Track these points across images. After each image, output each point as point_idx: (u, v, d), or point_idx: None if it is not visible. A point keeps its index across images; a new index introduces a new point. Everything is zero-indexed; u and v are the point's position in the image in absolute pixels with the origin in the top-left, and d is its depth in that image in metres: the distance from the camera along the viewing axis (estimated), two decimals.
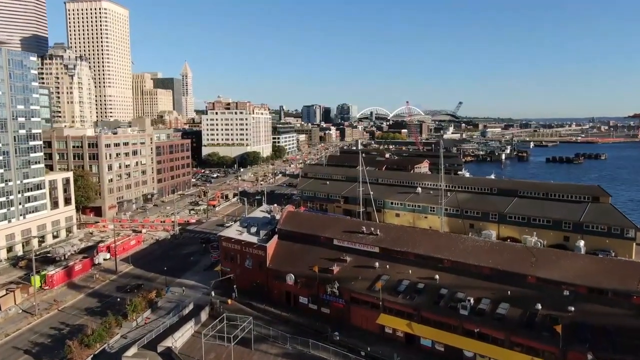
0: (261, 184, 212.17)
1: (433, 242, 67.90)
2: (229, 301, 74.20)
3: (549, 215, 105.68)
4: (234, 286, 76.01)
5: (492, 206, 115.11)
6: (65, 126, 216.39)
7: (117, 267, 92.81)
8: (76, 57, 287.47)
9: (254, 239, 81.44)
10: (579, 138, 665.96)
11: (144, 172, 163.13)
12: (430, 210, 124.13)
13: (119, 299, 76.28)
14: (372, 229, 73.77)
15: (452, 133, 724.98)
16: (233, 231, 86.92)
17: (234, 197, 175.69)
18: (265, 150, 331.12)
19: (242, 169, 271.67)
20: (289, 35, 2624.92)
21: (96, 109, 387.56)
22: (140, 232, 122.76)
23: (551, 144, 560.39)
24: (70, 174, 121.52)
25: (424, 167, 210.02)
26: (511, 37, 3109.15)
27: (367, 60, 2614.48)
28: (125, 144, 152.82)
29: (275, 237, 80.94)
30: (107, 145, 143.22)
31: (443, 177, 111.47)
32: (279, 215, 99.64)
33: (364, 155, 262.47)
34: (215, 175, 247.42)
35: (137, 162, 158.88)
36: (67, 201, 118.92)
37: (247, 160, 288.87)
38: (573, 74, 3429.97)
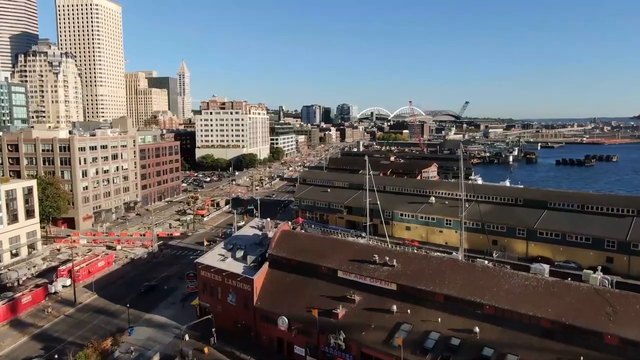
0: (256, 189, 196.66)
1: (467, 279, 52.43)
2: (206, 349, 58.70)
3: (588, 231, 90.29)
4: (213, 329, 60.40)
5: (518, 220, 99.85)
6: (49, 127, 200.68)
7: (77, 297, 77.18)
8: (61, 53, 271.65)
9: (239, 268, 65.98)
10: (584, 139, 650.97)
11: (125, 178, 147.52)
12: (447, 224, 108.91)
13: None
14: (387, 258, 58.27)
15: (454, 134, 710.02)
16: (215, 255, 71.45)
17: (226, 204, 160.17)
18: (263, 152, 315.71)
19: (237, 172, 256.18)
20: (289, 35, 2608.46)
21: (87, 108, 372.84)
22: (115, 248, 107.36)
23: (557, 145, 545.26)
24: (33, 182, 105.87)
25: (431, 171, 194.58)
26: (511, 37, 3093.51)
27: (367, 60, 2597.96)
28: (104, 147, 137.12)
29: (266, 264, 65.51)
30: (82, 149, 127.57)
31: (464, 185, 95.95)
32: (272, 232, 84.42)
33: (366, 158, 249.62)
34: (208, 179, 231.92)
35: (117, 167, 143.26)
36: (29, 213, 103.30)
37: (243, 162, 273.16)
38: (572, 74, 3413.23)
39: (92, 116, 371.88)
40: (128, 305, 66.47)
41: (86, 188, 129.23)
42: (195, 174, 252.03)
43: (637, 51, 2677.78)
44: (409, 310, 51.49)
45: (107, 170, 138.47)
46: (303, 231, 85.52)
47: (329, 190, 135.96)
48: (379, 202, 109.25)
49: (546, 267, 64.83)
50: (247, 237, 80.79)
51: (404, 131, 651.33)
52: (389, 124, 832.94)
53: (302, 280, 61.36)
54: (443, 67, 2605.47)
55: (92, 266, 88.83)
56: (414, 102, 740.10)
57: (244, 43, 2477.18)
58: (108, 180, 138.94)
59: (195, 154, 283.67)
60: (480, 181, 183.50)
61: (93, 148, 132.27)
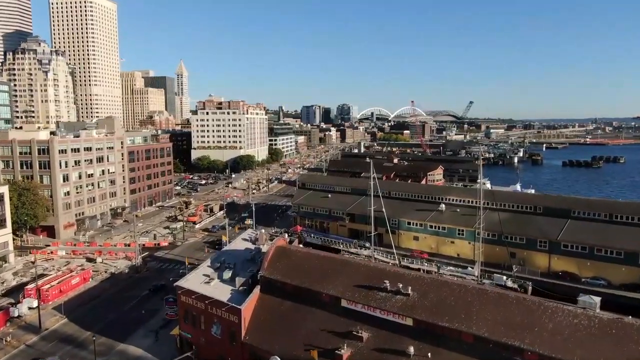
0: (253, 193, 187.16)
1: (500, 313, 43.03)
2: None
3: (619, 244, 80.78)
4: None
5: (539, 230, 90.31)
6: (39, 127, 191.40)
7: (43, 321, 67.64)
8: (51, 51, 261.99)
9: (225, 293, 56.58)
10: (588, 139, 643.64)
11: (112, 182, 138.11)
12: (459, 234, 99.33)
13: None
14: (400, 284, 48.85)
15: (456, 134, 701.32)
16: (199, 276, 62.01)
17: (220, 210, 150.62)
18: (261, 153, 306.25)
19: (234, 175, 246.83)
20: (289, 35, 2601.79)
21: (81, 108, 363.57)
22: (95, 260, 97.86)
23: (561, 145, 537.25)
24: (4, 189, 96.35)
25: (437, 174, 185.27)
26: (511, 37, 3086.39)
27: (368, 60, 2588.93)
28: (88, 149, 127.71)
29: (257, 289, 56.12)
30: (62, 151, 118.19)
31: (482, 191, 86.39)
32: (266, 246, 75.13)
33: (368, 159, 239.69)
34: (203, 182, 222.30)
35: (103, 171, 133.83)
36: (0, 223, 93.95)
37: (240, 164, 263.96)
38: (571, 74, 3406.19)
39: (86, 116, 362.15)
40: (94, 338, 56.78)
41: (68, 193, 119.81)
42: (191, 176, 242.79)
43: (637, 51, 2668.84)
44: (429, 354, 42.07)
45: (92, 174, 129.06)
46: (301, 245, 76.27)
47: (329, 195, 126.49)
48: (384, 210, 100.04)
49: (597, 299, 55.27)
50: (238, 253, 71.52)
51: (405, 132, 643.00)
52: (389, 124, 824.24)
53: (300, 310, 51.97)
54: (443, 68, 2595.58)
55: (65, 283, 79.30)
56: (415, 102, 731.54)
57: (244, 43, 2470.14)
58: (93, 185, 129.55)
59: (190, 155, 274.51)
60: (488, 185, 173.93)
61: (75, 150, 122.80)
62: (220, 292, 56.86)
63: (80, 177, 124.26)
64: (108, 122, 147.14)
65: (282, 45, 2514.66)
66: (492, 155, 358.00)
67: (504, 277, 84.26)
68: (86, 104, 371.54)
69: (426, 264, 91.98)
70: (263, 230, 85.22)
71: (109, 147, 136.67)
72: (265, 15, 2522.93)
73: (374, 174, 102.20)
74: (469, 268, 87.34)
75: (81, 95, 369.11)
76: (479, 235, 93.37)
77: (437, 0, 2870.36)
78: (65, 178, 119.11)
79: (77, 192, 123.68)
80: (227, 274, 61.40)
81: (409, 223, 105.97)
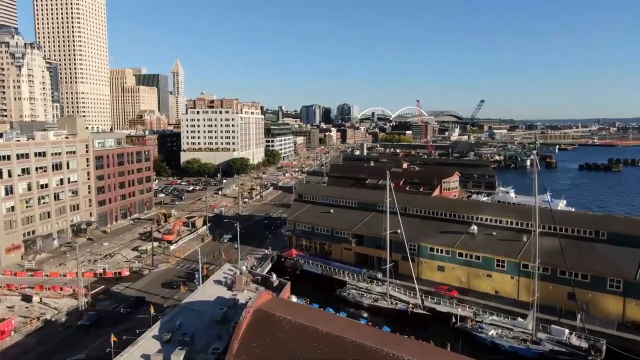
0: (245, 203, 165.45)
1: None
2: None
3: None
4: None
5: (609, 265, 68.94)
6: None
7: None
8: (25, 44, 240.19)
9: None
10: (596, 140, 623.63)
11: (74, 193, 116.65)
12: (498, 266, 77.75)
13: None
14: None
15: (459, 135, 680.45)
16: (142, 350, 40.63)
17: (204, 225, 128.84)
18: (256, 155, 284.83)
19: (225, 180, 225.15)
20: (289, 35, 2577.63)
21: (66, 107, 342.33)
22: (32, 299, 76.17)
23: (570, 147, 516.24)
24: None
25: (453, 182, 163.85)
26: (511, 39, 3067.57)
27: (368, 60, 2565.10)
28: (41, 154, 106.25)
29: None
30: (5, 157, 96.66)
31: (538, 211, 64.09)
32: (245, 294, 54.34)
33: (372, 163, 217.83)
34: (190, 188, 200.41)
35: (62, 180, 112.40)
36: None
37: (234, 168, 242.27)
38: (571, 75, 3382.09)
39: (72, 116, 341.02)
40: None
41: (12, 209, 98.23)
42: (178, 182, 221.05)
43: (637, 51, 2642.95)
44: None
45: (46, 185, 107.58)
46: (294, 299, 54.70)
47: (331, 210, 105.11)
48: (402, 231, 78.44)
49: None
50: (204, 309, 50.57)
51: (407, 132, 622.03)
52: (390, 124, 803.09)
53: None
54: (444, 68, 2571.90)
55: None
56: (419, 101, 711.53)
57: (243, 43, 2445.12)
58: (48, 197, 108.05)
59: (180, 157, 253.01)
60: (512, 194, 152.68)
61: (23, 156, 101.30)
62: None
63: (29, 188, 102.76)
64: (69, 122, 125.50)
65: (282, 44, 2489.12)
66: (501, 158, 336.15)
67: (566, 331, 62.83)
68: (72, 102, 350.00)
69: (459, 309, 70.42)
70: (244, 268, 63.93)
71: (70, 152, 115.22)
72: (266, 14, 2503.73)
73: (390, 181, 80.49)
74: (519, 319, 65.51)
75: (66, 93, 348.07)
76: (525, 268, 72.64)
77: (436, 1, 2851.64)
78: (9, 190, 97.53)
79: (27, 207, 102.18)
80: (178, 356, 39.87)
81: (431, 249, 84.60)
